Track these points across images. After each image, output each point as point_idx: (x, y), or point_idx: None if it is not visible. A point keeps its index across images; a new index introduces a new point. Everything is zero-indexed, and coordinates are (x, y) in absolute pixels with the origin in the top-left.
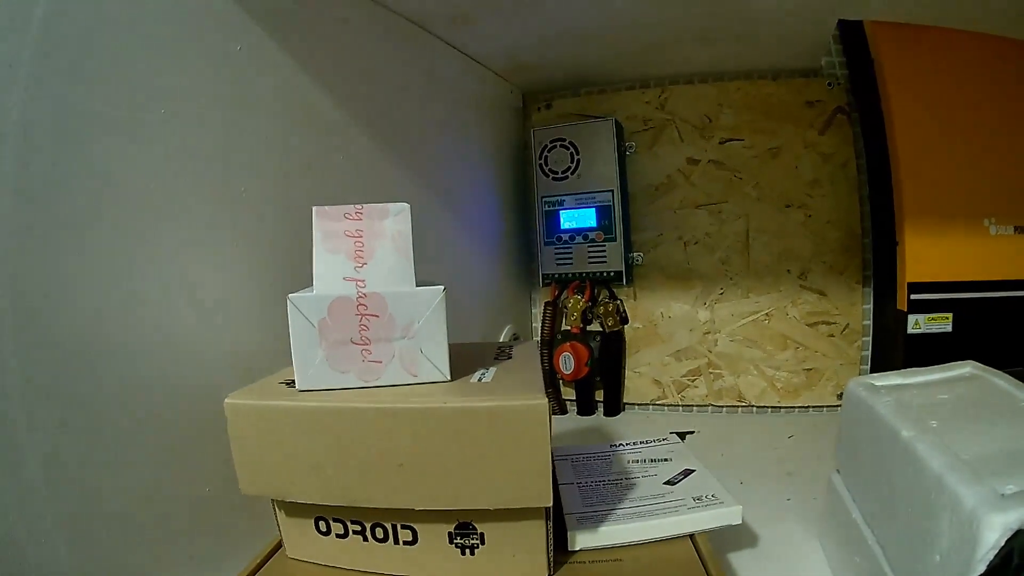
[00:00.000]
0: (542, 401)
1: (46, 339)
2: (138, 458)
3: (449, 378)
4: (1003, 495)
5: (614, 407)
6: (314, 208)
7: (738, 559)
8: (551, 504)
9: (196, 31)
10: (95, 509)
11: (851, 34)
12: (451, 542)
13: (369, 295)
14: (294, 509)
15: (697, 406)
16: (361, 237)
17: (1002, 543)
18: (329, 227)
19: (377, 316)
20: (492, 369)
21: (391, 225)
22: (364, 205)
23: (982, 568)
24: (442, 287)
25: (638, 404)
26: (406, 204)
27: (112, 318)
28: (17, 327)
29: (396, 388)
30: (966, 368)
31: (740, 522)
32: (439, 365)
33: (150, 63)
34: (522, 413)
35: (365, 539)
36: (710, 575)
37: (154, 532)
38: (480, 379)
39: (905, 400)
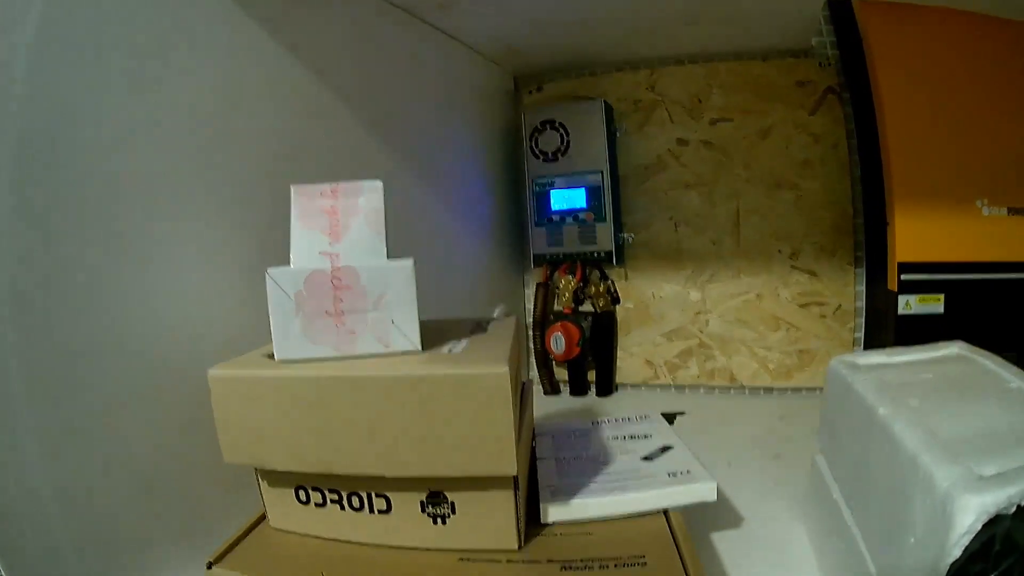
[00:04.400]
0: (504, 370)
1: (42, 317)
2: (129, 432)
3: (420, 349)
4: (981, 476)
5: (606, 387)
6: (292, 187)
7: (721, 539)
8: (515, 473)
9: (184, 18)
10: (89, 482)
11: (840, 13)
12: (423, 511)
13: (343, 268)
14: (275, 479)
15: (689, 387)
16: (336, 214)
17: (978, 527)
18: (306, 204)
19: (350, 288)
20: (464, 341)
21: (365, 202)
22: (339, 183)
23: (957, 552)
24: (411, 260)
25: (630, 384)
26: (379, 182)
27: (103, 297)
28: (16, 304)
29: (368, 358)
30: (953, 348)
31: (715, 499)
32: (410, 336)
33: (140, 51)
34: (485, 381)
35: (342, 508)
36: (680, 550)
37: (144, 504)
38: (450, 350)
39: (886, 378)
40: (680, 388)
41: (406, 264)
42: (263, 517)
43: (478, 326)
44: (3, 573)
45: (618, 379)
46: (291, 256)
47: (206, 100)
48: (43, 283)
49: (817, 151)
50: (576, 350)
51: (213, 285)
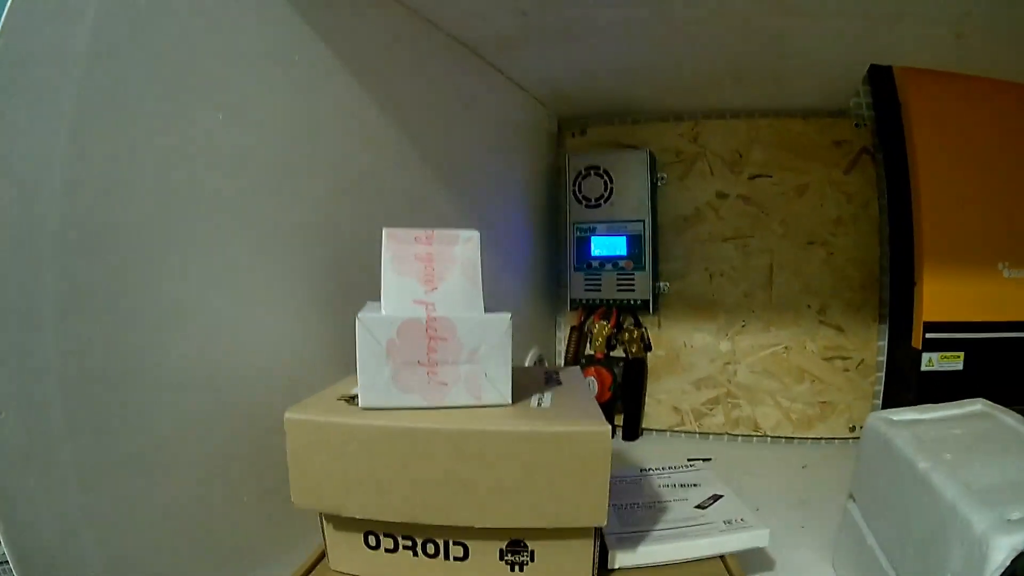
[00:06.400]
0: (606, 428)
1: (88, 342)
2: (174, 465)
3: (511, 402)
4: (1009, 520)
5: (633, 432)
6: (385, 230)
7: None
8: (605, 524)
9: (255, 36)
10: (130, 517)
11: (880, 78)
12: (501, 559)
13: (439, 319)
14: (343, 522)
15: (714, 434)
16: (431, 261)
17: (1007, 563)
18: (399, 249)
19: (445, 340)
20: (548, 394)
21: (460, 251)
22: (434, 230)
23: None
24: (509, 315)
25: (656, 430)
26: (476, 232)
27: (156, 325)
28: (61, 329)
29: (461, 410)
30: (976, 406)
31: (767, 544)
32: (502, 389)
33: (208, 67)
34: (588, 439)
35: (415, 554)
36: None
37: (188, 540)
38: (539, 404)
39: (921, 434)
40: (705, 435)
41: (504, 318)
42: (321, 556)
43: (550, 377)
44: None
45: (644, 424)
46: (382, 302)
47: (273, 121)
48: (100, 309)
49: (849, 209)
50: (608, 395)
51: (270, 318)
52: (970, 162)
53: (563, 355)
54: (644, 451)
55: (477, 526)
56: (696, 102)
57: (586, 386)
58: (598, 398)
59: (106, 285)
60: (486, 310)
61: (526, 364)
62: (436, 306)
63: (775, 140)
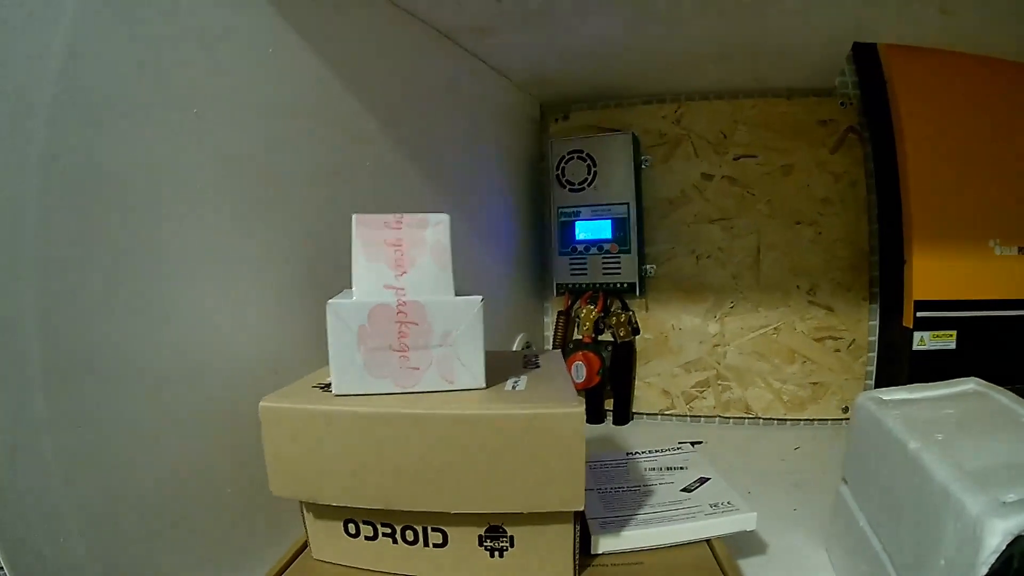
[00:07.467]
0: (579, 409)
1: (68, 334)
2: (158, 458)
3: (484, 385)
4: (1004, 503)
5: (623, 416)
6: (354, 216)
7: (747, 566)
8: (583, 508)
9: (229, 30)
10: (115, 508)
11: (865, 56)
12: (481, 544)
13: (409, 303)
14: (323, 511)
15: (705, 417)
16: (401, 246)
17: (1003, 547)
18: (369, 235)
19: (416, 324)
20: (524, 377)
21: (431, 235)
22: (404, 215)
23: (984, 571)
24: (480, 297)
25: (647, 414)
26: (446, 215)
27: (137, 318)
28: (40, 321)
29: (434, 394)
30: (969, 384)
31: (754, 528)
32: (475, 373)
33: (183, 60)
34: (560, 420)
35: (395, 541)
36: None
37: (174, 532)
38: (514, 387)
39: (912, 414)
40: (696, 418)
41: (474, 300)
42: (304, 546)
43: (528, 361)
44: None
45: (634, 408)
46: (353, 288)
47: (247, 114)
48: (78, 300)
49: (837, 189)
50: (596, 379)
51: (252, 305)
52: (958, 139)
53: (551, 340)
54: (634, 435)
55: (452, 511)
56: (679, 84)
57: (564, 369)
58: (586, 383)
59: (86, 281)
60: (463, 294)
61: (513, 350)
62: (406, 291)
63: (760, 120)
